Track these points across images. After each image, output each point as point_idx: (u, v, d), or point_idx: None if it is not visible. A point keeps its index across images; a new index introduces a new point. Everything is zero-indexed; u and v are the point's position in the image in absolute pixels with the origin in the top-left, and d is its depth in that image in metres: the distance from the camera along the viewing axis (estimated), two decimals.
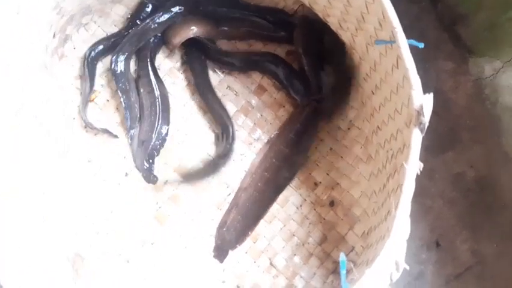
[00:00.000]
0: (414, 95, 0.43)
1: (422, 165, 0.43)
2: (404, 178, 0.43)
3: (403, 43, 0.45)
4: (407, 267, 0.41)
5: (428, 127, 0.73)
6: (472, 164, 0.73)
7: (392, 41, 0.46)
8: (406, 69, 0.44)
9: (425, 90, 0.75)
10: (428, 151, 0.73)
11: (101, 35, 0.69)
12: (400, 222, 0.42)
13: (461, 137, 0.74)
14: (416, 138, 0.43)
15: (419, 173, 0.43)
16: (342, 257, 0.41)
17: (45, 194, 0.59)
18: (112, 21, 0.70)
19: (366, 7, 0.50)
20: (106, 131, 0.66)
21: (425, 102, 0.42)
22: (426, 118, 0.42)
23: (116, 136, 0.67)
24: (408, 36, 0.77)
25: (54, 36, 0.61)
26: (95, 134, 0.67)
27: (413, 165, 0.43)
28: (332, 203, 0.67)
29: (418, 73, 0.77)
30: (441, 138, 0.74)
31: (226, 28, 0.70)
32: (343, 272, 0.40)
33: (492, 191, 0.72)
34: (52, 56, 0.64)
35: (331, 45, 0.67)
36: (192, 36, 0.68)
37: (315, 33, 0.68)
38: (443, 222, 0.71)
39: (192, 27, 0.68)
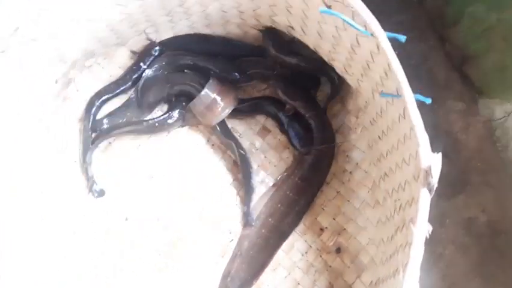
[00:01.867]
0: (421, 154, 0.41)
1: (431, 228, 0.41)
2: (412, 240, 0.41)
3: (409, 98, 0.43)
4: None
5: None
6: (484, 208, 0.70)
7: (398, 95, 0.44)
8: (413, 124, 0.42)
9: (435, 132, 0.73)
10: (439, 195, 0.71)
11: (105, 77, 0.69)
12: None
13: (471, 180, 0.71)
14: (424, 199, 0.41)
15: (427, 236, 0.41)
16: None
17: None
18: (117, 63, 0.69)
19: (371, 56, 0.49)
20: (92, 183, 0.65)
21: (433, 162, 0.40)
22: (435, 179, 0.40)
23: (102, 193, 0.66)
24: (416, 75, 0.76)
25: (56, 82, 0.61)
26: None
27: (422, 229, 0.41)
28: (338, 250, 0.65)
29: (427, 114, 0.75)
30: (452, 181, 0.71)
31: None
32: None
33: (505, 236, 0.69)
34: (55, 100, 0.63)
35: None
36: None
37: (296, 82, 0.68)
38: (455, 269, 0.68)
39: (225, 108, 0.68)
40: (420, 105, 0.74)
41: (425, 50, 0.76)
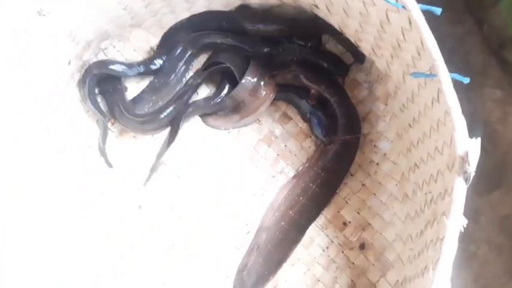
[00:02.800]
0: (457, 139, 0.37)
1: (466, 221, 0.36)
2: (444, 235, 0.36)
3: (445, 78, 0.39)
4: None
5: None
6: None
7: (433, 74, 0.40)
8: (448, 107, 0.38)
9: (471, 122, 0.68)
10: (473, 190, 0.66)
11: (121, 60, 0.66)
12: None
13: (509, 175, 0.66)
14: (460, 189, 0.37)
15: (462, 230, 0.36)
16: None
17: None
18: (132, 46, 0.67)
19: (403, 34, 0.45)
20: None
21: (471, 148, 0.36)
22: (472, 167, 0.36)
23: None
24: (451, 61, 0.70)
25: (69, 63, 0.58)
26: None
27: (456, 222, 0.36)
28: (362, 246, 0.61)
29: (461, 102, 0.70)
30: (487, 175, 0.66)
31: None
32: None
33: None
34: (68, 83, 0.61)
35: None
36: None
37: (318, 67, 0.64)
38: (489, 270, 0.63)
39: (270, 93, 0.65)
40: (455, 92, 0.69)
41: (461, 33, 0.70)
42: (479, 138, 0.36)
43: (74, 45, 0.57)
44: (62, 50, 0.56)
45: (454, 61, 0.69)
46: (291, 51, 0.65)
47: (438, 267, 0.36)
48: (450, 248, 0.36)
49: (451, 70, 0.67)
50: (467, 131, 0.38)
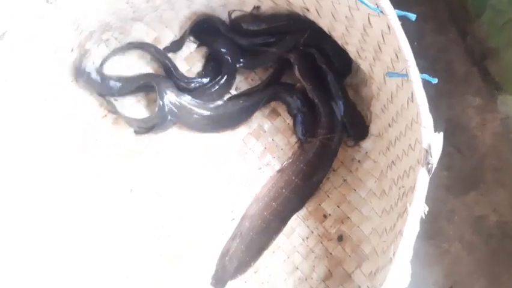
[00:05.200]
0: (423, 133, 0.40)
1: (427, 208, 0.39)
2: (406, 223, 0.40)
3: (415, 77, 0.42)
4: None
5: (450, 165, 0.70)
6: (495, 208, 0.68)
7: (405, 74, 0.43)
8: (418, 104, 0.41)
9: (451, 126, 0.71)
10: (449, 191, 0.69)
11: None
12: (398, 269, 0.39)
13: (485, 178, 0.69)
14: (422, 178, 0.40)
15: (423, 216, 0.40)
16: None
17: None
18: (132, 38, 0.70)
19: (383, 37, 0.48)
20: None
21: (433, 141, 0.39)
22: (435, 159, 0.39)
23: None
24: (434, 68, 0.74)
25: (72, 50, 0.62)
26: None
27: (417, 208, 0.40)
28: (340, 238, 0.64)
29: (443, 108, 0.74)
30: (464, 177, 0.69)
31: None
32: None
33: None
34: (70, 68, 0.65)
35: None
36: None
37: (314, 65, 0.66)
38: (460, 267, 0.66)
39: None
40: (437, 98, 0.72)
41: (445, 42, 0.74)
42: (441, 133, 0.40)
43: (77, 34, 0.60)
44: (66, 38, 0.59)
45: (437, 69, 0.73)
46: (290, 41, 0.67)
47: (398, 248, 0.39)
48: (411, 230, 0.39)
49: (434, 77, 0.71)
50: (432, 127, 0.41)
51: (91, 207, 0.66)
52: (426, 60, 0.72)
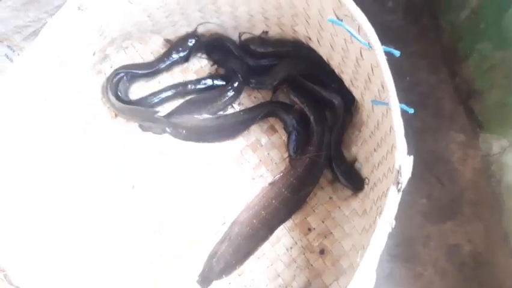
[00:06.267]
0: (396, 156, 0.46)
1: (394, 223, 0.44)
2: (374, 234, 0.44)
3: (395, 106, 0.47)
4: None
5: (430, 194, 0.74)
6: (470, 239, 0.72)
7: (385, 102, 0.49)
8: (394, 131, 0.47)
9: (434, 159, 0.76)
10: (427, 218, 0.74)
11: (138, 59, 0.76)
12: (362, 273, 0.43)
13: (462, 210, 0.74)
14: (392, 195, 0.45)
15: (390, 230, 0.44)
16: None
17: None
18: (150, 49, 0.76)
19: (372, 69, 0.54)
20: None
21: (404, 163, 0.44)
22: (404, 179, 0.44)
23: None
24: (424, 104, 0.80)
25: (94, 54, 0.68)
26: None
27: (385, 222, 0.44)
28: (322, 251, 0.69)
29: (429, 141, 0.78)
30: (443, 207, 0.74)
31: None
32: None
33: (487, 269, 0.71)
34: (90, 70, 0.71)
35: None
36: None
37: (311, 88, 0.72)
38: None
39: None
40: (424, 132, 0.77)
41: (435, 81, 0.79)
42: (411, 156, 0.45)
43: (101, 39, 0.67)
44: (90, 42, 0.65)
45: (426, 104, 0.79)
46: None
47: (365, 255, 0.44)
48: (378, 239, 0.44)
49: (422, 112, 0.78)
50: (406, 150, 0.46)
51: (90, 207, 0.69)
52: (417, 95, 0.78)
